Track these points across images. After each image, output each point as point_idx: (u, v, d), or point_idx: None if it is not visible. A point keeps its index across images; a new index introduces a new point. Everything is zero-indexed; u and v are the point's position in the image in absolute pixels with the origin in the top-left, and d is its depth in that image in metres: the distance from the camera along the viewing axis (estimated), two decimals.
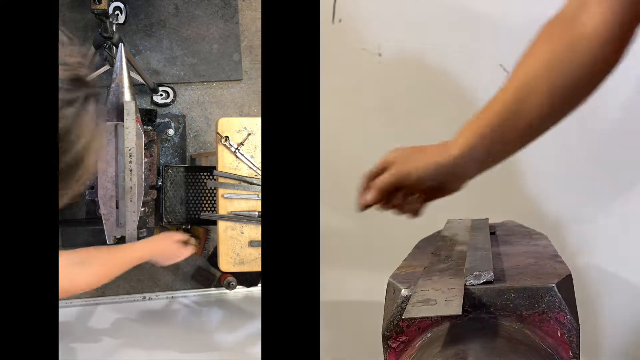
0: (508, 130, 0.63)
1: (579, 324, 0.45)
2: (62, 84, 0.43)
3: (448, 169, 0.63)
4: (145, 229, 1.59)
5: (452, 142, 0.65)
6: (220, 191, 1.49)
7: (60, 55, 0.44)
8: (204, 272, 2.17)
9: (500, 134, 0.63)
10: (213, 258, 2.00)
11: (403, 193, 0.66)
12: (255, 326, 1.66)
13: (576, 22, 0.66)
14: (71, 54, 0.45)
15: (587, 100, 0.67)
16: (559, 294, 0.45)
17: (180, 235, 1.31)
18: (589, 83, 0.67)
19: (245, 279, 1.89)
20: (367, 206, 0.67)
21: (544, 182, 1.19)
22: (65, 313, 1.78)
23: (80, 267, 1.04)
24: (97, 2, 1.56)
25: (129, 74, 1.44)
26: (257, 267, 1.52)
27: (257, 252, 1.51)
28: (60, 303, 1.82)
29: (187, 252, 1.29)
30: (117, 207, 1.50)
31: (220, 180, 1.49)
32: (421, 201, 0.67)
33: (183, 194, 1.78)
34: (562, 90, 0.65)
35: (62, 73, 0.44)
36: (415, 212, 0.68)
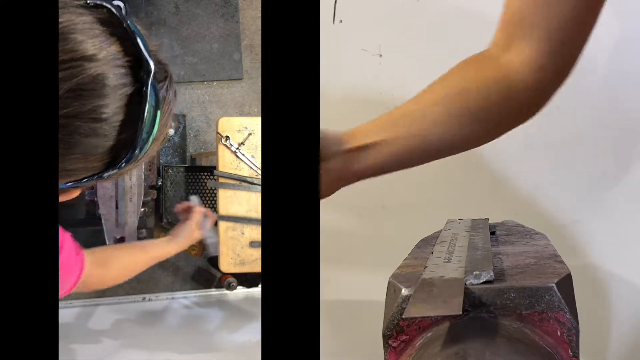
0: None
1: (578, 324, 0.45)
2: (156, 66, 0.51)
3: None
4: (145, 229, 1.60)
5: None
6: (221, 191, 1.49)
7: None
8: (204, 272, 2.17)
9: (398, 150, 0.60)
10: (213, 259, 2.00)
11: None
12: (255, 326, 1.66)
13: (501, 60, 0.60)
14: (150, 43, 0.52)
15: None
16: (558, 294, 0.45)
17: (193, 219, 1.30)
18: (500, 130, 0.61)
19: (246, 279, 1.89)
20: None
21: (543, 181, 1.19)
22: (65, 314, 1.78)
23: (104, 268, 1.06)
24: None
25: None
26: (257, 267, 1.52)
27: (257, 253, 1.51)
28: (60, 304, 1.81)
29: (211, 222, 1.34)
30: (117, 207, 1.50)
31: (221, 180, 1.49)
32: None
33: (183, 194, 1.78)
34: (470, 135, 0.60)
35: (153, 56, 0.51)
36: None
